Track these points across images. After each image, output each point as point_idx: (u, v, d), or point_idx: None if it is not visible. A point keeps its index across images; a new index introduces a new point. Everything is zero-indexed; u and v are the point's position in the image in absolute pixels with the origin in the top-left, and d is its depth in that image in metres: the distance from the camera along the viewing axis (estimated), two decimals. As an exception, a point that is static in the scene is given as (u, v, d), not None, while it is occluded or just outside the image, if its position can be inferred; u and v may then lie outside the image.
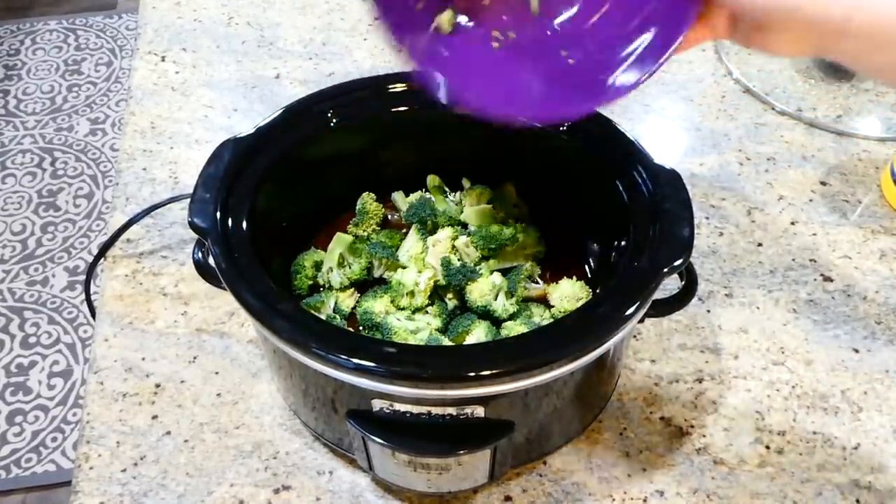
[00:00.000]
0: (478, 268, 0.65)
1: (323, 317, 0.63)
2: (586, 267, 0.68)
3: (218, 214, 0.56)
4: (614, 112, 0.92)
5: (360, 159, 0.69)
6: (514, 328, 0.62)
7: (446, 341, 0.61)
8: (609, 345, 0.53)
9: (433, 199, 0.71)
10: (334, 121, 0.65)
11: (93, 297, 0.82)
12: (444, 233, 0.67)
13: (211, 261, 0.56)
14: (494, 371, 0.49)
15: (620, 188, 0.60)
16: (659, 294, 0.54)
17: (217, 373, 0.68)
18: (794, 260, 0.78)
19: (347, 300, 0.66)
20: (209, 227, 0.56)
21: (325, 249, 0.68)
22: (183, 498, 0.61)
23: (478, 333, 0.61)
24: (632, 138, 0.62)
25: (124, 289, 0.74)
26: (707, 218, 0.81)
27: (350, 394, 0.53)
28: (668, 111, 0.93)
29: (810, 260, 0.78)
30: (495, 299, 0.63)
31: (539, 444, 0.61)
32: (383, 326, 0.61)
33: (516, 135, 0.66)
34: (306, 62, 0.97)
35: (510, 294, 0.64)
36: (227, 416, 0.65)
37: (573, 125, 0.64)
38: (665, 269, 0.53)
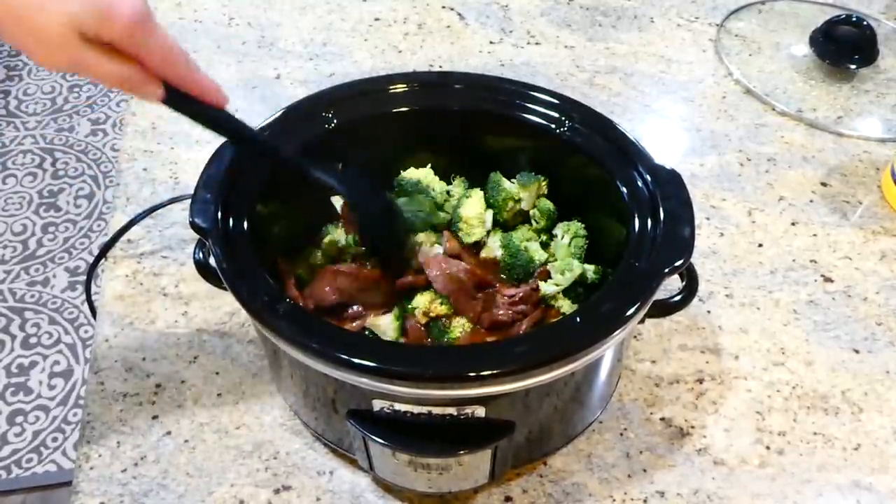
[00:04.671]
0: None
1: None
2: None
3: (219, 214, 0.57)
4: (614, 112, 0.93)
5: (361, 160, 0.69)
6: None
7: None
8: (610, 345, 0.53)
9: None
10: (335, 121, 0.65)
11: (93, 298, 0.82)
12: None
13: (212, 261, 0.56)
14: (495, 371, 0.49)
15: (621, 188, 0.60)
16: (659, 294, 0.54)
17: (217, 373, 0.68)
18: (794, 260, 0.78)
19: None
20: (210, 227, 0.56)
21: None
22: (183, 498, 0.61)
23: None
24: (632, 138, 0.62)
25: (125, 289, 0.74)
26: (707, 218, 0.81)
27: (350, 394, 0.53)
28: (668, 111, 0.93)
29: (811, 261, 0.78)
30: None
31: (539, 445, 0.61)
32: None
33: (517, 136, 0.67)
34: (307, 63, 0.97)
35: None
36: (227, 416, 0.65)
37: (573, 126, 0.64)
38: (666, 270, 0.53)
